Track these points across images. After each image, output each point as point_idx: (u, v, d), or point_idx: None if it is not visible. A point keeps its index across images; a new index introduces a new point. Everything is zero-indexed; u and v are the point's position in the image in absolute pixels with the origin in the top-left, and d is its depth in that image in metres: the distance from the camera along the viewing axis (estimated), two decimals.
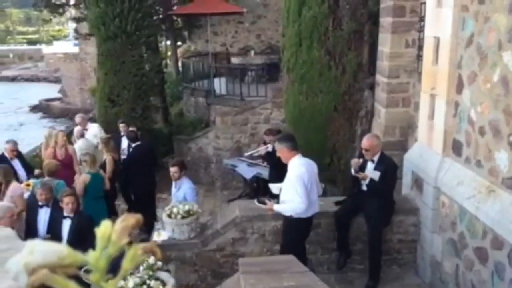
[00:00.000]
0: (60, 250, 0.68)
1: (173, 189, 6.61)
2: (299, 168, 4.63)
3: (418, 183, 5.44)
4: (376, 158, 5.19)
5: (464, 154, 4.60)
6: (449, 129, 4.84)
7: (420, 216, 5.39)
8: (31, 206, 5.84)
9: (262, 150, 9.19)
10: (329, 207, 5.54)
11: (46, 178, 6.60)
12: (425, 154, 5.30)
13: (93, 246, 0.74)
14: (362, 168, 5.18)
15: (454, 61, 4.68)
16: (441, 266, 4.98)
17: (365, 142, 5.21)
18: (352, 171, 5.19)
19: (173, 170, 6.43)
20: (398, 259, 5.56)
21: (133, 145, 8.23)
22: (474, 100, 4.36)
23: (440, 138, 4.96)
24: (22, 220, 6.03)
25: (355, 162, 5.21)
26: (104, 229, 0.70)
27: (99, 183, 6.87)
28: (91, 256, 0.69)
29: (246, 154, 9.78)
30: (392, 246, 5.51)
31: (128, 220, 0.72)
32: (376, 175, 5.09)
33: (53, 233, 5.47)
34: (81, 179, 6.82)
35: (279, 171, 8.43)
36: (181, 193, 6.37)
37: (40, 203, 5.67)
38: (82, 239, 4.83)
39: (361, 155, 5.42)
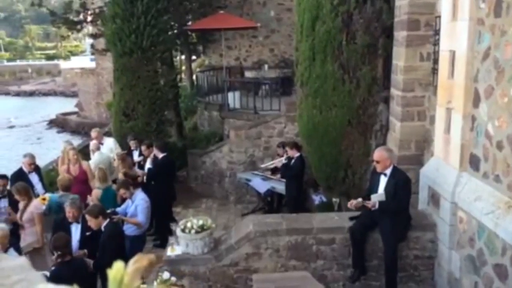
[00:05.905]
0: None
1: (128, 207, 6.59)
2: None
3: (434, 198, 5.35)
4: (388, 172, 5.23)
5: (481, 169, 4.52)
6: (466, 143, 4.77)
7: (437, 232, 5.30)
8: (61, 224, 5.85)
9: (277, 162, 9.17)
10: (344, 223, 5.49)
11: (60, 193, 6.65)
12: (441, 169, 5.22)
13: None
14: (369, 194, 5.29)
15: (471, 75, 4.62)
16: (459, 284, 4.87)
17: (376, 153, 5.36)
18: (358, 201, 5.24)
19: (121, 192, 6.52)
20: (415, 276, 5.46)
21: (161, 155, 8.20)
22: (492, 114, 4.30)
23: (457, 152, 4.89)
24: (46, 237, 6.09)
25: (356, 203, 5.24)
26: (116, 271, 0.69)
27: (110, 198, 6.86)
28: None
29: (262, 166, 9.77)
30: (409, 262, 5.42)
31: (141, 261, 0.70)
32: (382, 197, 5.14)
33: (88, 249, 5.52)
34: (94, 195, 6.82)
35: (295, 183, 8.46)
36: (133, 207, 6.41)
37: (70, 220, 5.70)
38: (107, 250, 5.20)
39: (375, 170, 5.40)
